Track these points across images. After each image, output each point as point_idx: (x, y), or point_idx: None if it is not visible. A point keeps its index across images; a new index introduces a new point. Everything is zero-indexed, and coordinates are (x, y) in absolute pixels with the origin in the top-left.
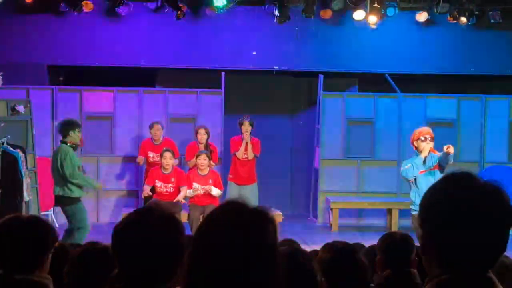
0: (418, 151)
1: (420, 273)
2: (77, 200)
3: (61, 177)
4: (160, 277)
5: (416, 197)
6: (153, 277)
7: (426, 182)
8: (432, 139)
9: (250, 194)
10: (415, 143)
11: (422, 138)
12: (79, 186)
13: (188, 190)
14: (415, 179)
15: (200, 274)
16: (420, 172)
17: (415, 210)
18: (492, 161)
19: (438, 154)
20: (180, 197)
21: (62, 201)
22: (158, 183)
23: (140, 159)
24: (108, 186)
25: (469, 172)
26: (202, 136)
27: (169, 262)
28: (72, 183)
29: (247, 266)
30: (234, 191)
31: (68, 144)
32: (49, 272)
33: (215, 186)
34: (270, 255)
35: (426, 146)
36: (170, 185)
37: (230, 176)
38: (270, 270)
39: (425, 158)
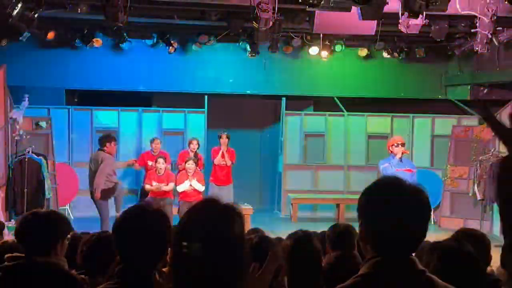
0: (393, 154)
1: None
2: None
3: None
4: (151, 259)
5: None
6: (145, 259)
7: None
8: (403, 145)
9: (227, 193)
10: (390, 148)
11: (395, 145)
12: None
13: (178, 186)
14: None
15: (180, 258)
16: (397, 170)
17: None
18: (417, 166)
19: (407, 152)
20: (166, 188)
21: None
22: (154, 183)
23: (136, 166)
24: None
25: (396, 177)
26: (194, 146)
27: (158, 247)
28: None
29: (218, 252)
30: (213, 190)
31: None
32: (65, 256)
33: (198, 182)
34: (237, 243)
35: (398, 150)
36: (162, 185)
37: (211, 178)
38: (237, 255)
39: (400, 158)
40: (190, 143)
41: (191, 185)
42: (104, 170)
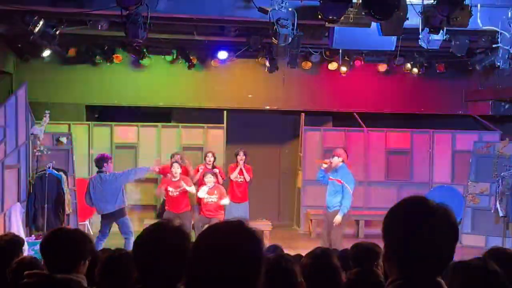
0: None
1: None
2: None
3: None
4: (172, 278)
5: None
6: (165, 279)
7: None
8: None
9: (243, 211)
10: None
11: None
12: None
13: (199, 192)
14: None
15: (196, 277)
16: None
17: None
18: (438, 182)
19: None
20: (188, 188)
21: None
22: (170, 189)
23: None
24: (132, 202)
25: (422, 196)
26: (210, 158)
27: (179, 266)
28: None
29: (234, 273)
30: (229, 208)
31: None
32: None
33: (220, 198)
34: (255, 267)
35: (333, 161)
36: (178, 189)
37: (228, 195)
38: (255, 279)
39: (335, 168)
40: (205, 156)
41: (219, 202)
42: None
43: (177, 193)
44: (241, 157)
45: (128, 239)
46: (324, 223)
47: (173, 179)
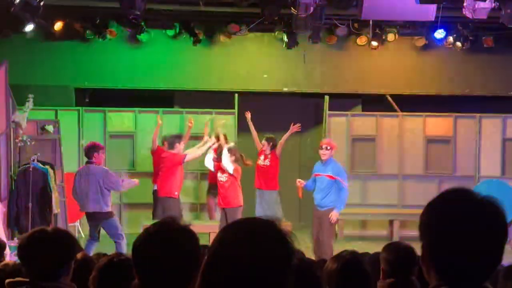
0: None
1: (420, 280)
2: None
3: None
4: (178, 285)
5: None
6: (170, 286)
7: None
8: (327, 149)
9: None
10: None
11: (320, 147)
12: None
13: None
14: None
15: (215, 284)
16: (315, 175)
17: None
18: (486, 175)
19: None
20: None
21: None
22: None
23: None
24: (129, 199)
25: (466, 188)
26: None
27: (185, 273)
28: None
29: (261, 279)
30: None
31: (96, 165)
32: (73, 280)
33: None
34: (284, 270)
35: (322, 153)
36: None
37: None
38: (282, 283)
39: (323, 161)
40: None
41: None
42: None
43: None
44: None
45: (118, 242)
46: (314, 223)
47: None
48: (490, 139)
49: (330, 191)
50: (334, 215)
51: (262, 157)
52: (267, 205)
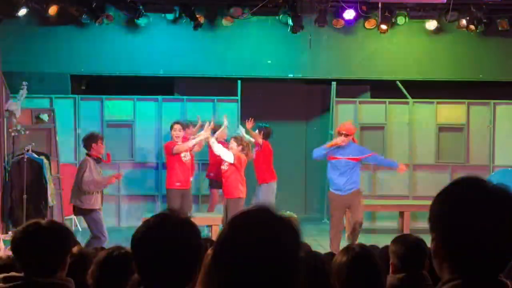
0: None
1: (430, 274)
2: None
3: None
4: (180, 279)
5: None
6: (171, 281)
7: None
8: (346, 136)
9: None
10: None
11: (338, 133)
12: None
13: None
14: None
15: (225, 280)
16: (333, 158)
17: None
18: (500, 165)
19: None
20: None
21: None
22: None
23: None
24: (128, 191)
25: (478, 176)
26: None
27: (187, 266)
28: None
29: (273, 274)
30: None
31: (92, 157)
32: (71, 276)
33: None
34: (294, 264)
35: (339, 140)
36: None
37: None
38: (294, 278)
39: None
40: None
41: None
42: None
43: (187, 158)
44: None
45: (93, 238)
46: (336, 209)
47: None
48: (505, 127)
49: (353, 173)
50: (402, 169)
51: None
52: (263, 198)
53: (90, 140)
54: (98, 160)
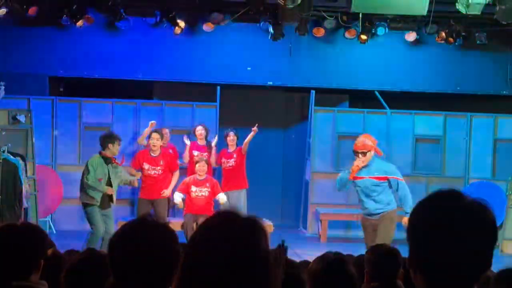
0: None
1: (406, 284)
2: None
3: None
4: (156, 284)
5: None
6: (146, 285)
7: None
8: (363, 154)
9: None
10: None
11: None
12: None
13: (176, 193)
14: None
15: (191, 283)
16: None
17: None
18: (476, 177)
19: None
20: (170, 187)
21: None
22: (146, 166)
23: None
24: None
25: (455, 189)
26: (201, 131)
27: (164, 271)
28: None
29: (239, 277)
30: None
31: (101, 155)
32: (45, 279)
33: (214, 193)
34: (262, 266)
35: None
36: (158, 167)
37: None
38: (262, 280)
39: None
40: (194, 130)
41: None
42: None
43: (157, 172)
44: (231, 138)
45: (88, 233)
46: (367, 234)
47: (152, 154)
48: (481, 140)
49: (381, 194)
50: (405, 221)
51: (224, 160)
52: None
53: (108, 139)
54: (108, 160)
